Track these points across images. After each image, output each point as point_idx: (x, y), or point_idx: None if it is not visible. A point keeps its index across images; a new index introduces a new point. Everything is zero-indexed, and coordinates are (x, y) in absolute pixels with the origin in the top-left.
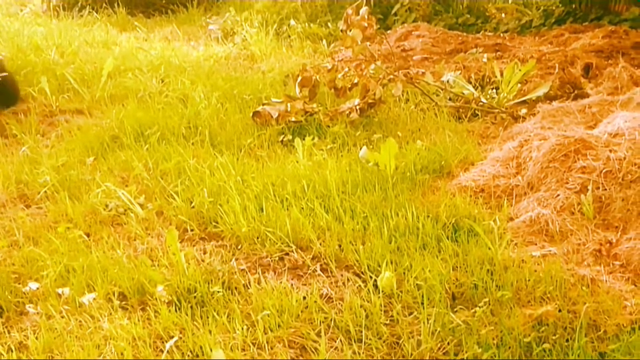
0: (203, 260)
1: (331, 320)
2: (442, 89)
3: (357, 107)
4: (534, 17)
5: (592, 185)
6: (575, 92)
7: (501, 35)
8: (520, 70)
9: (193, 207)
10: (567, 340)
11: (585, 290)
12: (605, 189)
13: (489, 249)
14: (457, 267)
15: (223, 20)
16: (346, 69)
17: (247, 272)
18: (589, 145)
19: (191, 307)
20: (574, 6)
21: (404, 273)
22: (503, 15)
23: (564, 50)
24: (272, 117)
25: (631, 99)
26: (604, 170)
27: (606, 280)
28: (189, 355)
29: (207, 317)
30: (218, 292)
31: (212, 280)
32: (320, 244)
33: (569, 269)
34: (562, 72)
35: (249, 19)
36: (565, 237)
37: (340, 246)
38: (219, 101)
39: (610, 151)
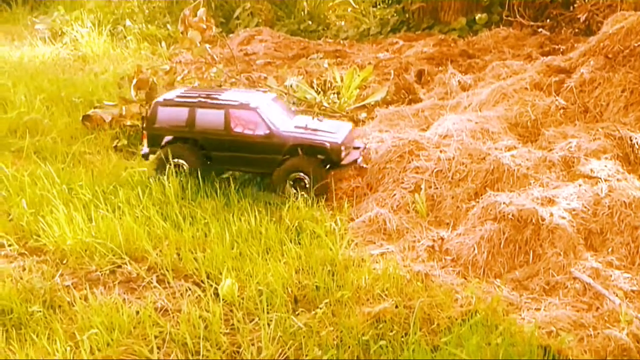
0: (21, 278)
1: (167, 334)
2: (285, 94)
3: None
4: (372, 26)
5: (424, 185)
6: (410, 97)
7: (341, 42)
8: (359, 76)
9: (11, 219)
10: (403, 336)
11: (420, 286)
12: (437, 188)
13: (331, 250)
14: (299, 269)
15: (51, 20)
16: (186, 71)
17: (72, 289)
18: (422, 147)
19: (6, 330)
20: (407, 16)
21: (246, 279)
22: (343, 23)
23: (399, 57)
24: (104, 121)
25: (459, 103)
26: (435, 170)
27: (439, 275)
28: None
29: (25, 340)
30: (38, 311)
31: (31, 299)
32: (157, 254)
33: (405, 265)
34: (398, 78)
35: (79, 18)
36: (401, 235)
37: (178, 255)
38: (44, 104)
39: (441, 152)
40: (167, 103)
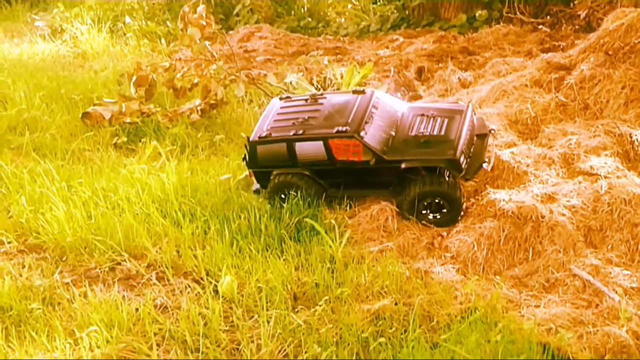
0: (21, 275)
1: (166, 331)
2: (285, 91)
3: (198, 108)
4: (372, 22)
5: None
6: (410, 93)
7: (341, 38)
8: (359, 72)
9: (11, 216)
10: (402, 333)
11: (419, 283)
12: None
13: (330, 247)
14: (299, 266)
15: (51, 17)
16: (185, 69)
17: (71, 286)
18: None
19: (6, 327)
20: (407, 13)
21: (246, 276)
22: (343, 19)
23: (399, 54)
24: (104, 118)
25: (459, 99)
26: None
27: (439, 272)
28: None
29: (25, 337)
30: (37, 309)
31: (30, 297)
32: (157, 251)
33: (405, 262)
34: (398, 75)
35: (79, 15)
36: (401, 232)
37: (178, 252)
38: (44, 101)
39: None
40: (263, 140)
